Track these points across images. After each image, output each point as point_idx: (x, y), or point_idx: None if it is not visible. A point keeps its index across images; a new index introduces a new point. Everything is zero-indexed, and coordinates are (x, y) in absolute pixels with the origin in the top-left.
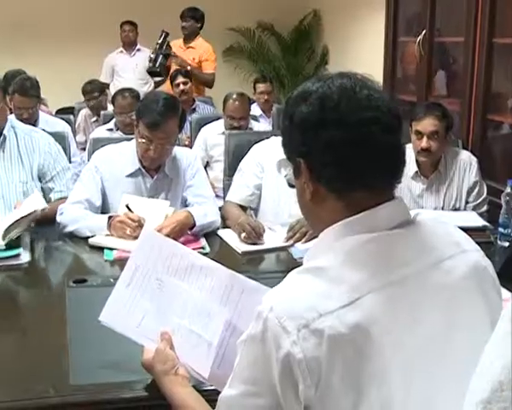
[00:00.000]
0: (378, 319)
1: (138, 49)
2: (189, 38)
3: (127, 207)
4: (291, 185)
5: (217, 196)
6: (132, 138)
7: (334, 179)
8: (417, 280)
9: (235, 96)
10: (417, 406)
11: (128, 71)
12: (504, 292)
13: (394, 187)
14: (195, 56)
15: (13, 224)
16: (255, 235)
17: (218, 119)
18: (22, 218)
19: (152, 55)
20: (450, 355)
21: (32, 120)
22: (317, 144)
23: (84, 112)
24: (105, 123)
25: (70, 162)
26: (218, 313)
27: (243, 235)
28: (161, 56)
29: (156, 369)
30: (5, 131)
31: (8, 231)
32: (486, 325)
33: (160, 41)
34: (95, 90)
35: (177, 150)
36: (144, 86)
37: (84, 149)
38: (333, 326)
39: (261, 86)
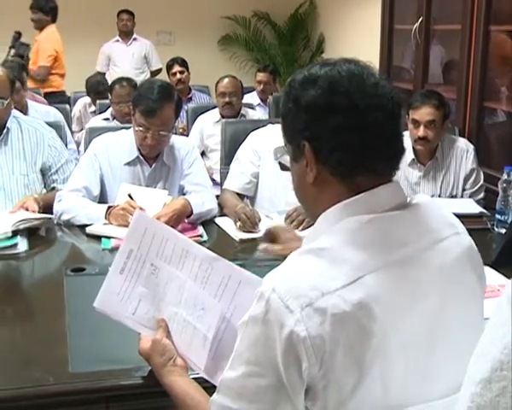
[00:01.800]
0: (380, 297)
1: (135, 39)
2: (38, 30)
3: (129, 196)
4: (284, 168)
5: (213, 182)
6: (130, 127)
7: (341, 164)
8: (416, 260)
9: (225, 78)
10: (417, 382)
11: (124, 60)
12: (501, 278)
13: (393, 173)
14: (35, 50)
15: (23, 220)
16: (250, 224)
17: (214, 107)
18: (33, 219)
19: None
20: (448, 333)
21: (18, 108)
22: (325, 128)
23: (84, 100)
24: (101, 112)
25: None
26: (213, 306)
27: (238, 224)
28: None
29: (154, 361)
30: (8, 124)
31: (15, 225)
32: (480, 304)
33: (11, 44)
34: (91, 90)
35: (175, 139)
36: (140, 76)
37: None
38: (336, 305)
39: (260, 75)
